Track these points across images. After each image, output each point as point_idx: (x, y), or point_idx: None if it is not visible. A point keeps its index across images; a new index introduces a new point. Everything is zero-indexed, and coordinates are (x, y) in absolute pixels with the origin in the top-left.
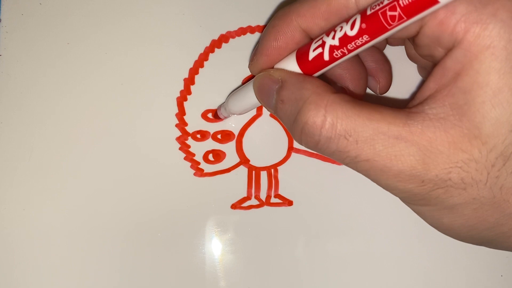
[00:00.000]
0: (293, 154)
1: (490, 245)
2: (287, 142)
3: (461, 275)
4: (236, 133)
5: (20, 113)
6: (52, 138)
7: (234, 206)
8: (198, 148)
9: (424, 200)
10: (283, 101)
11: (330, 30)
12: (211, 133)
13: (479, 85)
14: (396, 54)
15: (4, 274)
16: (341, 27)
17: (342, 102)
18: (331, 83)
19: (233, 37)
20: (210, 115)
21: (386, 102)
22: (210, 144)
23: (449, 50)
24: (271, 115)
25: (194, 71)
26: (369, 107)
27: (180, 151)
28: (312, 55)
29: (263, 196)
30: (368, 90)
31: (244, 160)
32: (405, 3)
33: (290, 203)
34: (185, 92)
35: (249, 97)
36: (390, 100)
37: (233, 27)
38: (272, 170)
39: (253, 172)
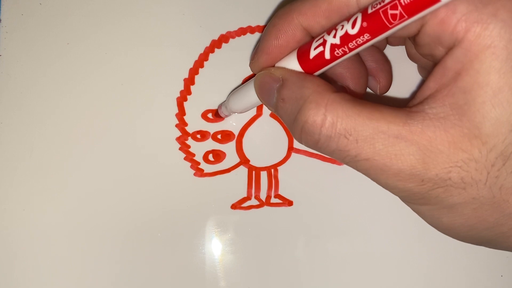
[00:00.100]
0: (293, 154)
1: (489, 245)
2: (287, 142)
3: (461, 275)
4: (236, 133)
5: (20, 113)
6: (52, 138)
7: (234, 206)
8: (198, 148)
9: (423, 199)
10: (284, 100)
11: (331, 29)
12: (211, 133)
13: (479, 84)
14: (396, 54)
15: (4, 274)
16: (342, 26)
17: (342, 101)
18: (331, 82)
19: (233, 37)
20: (210, 115)
21: (386, 102)
22: (210, 144)
23: (449, 50)
24: (271, 115)
25: (194, 71)
26: (369, 106)
27: (180, 151)
28: (313, 53)
29: (263, 196)
30: (368, 90)
31: (244, 160)
32: (406, 2)
33: (290, 203)
34: (185, 92)
35: (250, 96)
36: (390, 99)
37: (233, 27)
38: (272, 170)
39: (253, 172)
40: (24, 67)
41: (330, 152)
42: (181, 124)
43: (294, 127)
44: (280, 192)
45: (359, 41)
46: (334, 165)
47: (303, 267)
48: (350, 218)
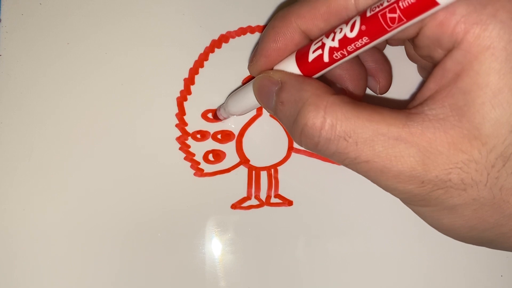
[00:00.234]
0: (293, 154)
1: (490, 245)
2: (287, 142)
3: (461, 275)
4: (236, 133)
5: (20, 113)
6: (52, 138)
7: (234, 206)
8: (198, 148)
9: (424, 200)
10: (283, 103)
11: (329, 32)
12: (211, 133)
13: (479, 86)
14: (396, 54)
15: (4, 274)
16: (341, 29)
17: (341, 103)
18: (330, 84)
19: (233, 37)
20: (210, 115)
21: (386, 103)
22: (210, 144)
23: (449, 51)
24: (271, 115)
25: (194, 71)
26: (368, 108)
27: (180, 151)
28: (311, 56)
29: (263, 196)
30: (368, 91)
31: (244, 160)
32: (405, 5)
33: (290, 203)
34: (185, 92)
35: (249, 98)
36: (390, 101)
37: (233, 27)
38: (272, 170)
39: (253, 172)
40: (24, 67)
41: (330, 155)
42: (181, 124)
43: (294, 130)
44: (280, 192)
45: (358, 44)
46: (334, 165)
47: (303, 267)
48: (350, 218)
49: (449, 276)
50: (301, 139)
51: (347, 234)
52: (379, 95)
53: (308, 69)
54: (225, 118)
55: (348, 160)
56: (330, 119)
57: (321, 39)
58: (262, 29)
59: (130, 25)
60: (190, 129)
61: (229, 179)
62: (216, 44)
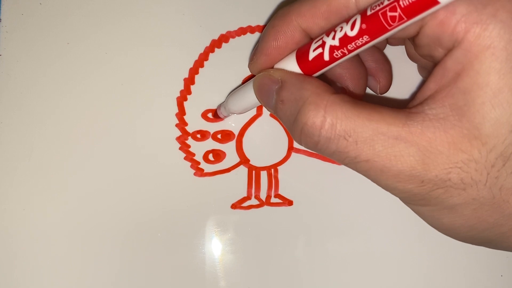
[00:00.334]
0: (293, 154)
1: (490, 245)
2: (287, 142)
3: (461, 275)
4: (236, 133)
5: (20, 113)
6: (52, 138)
7: (234, 206)
8: (198, 148)
9: (424, 200)
10: (283, 102)
11: (330, 30)
12: (211, 133)
13: (479, 85)
14: (396, 54)
15: (4, 274)
16: (341, 28)
17: (341, 102)
18: (330, 83)
19: (233, 37)
20: (210, 115)
21: (386, 102)
22: (210, 144)
23: (449, 51)
24: (271, 115)
25: (194, 71)
26: (368, 107)
27: (180, 151)
28: (312, 55)
29: (263, 196)
30: (368, 90)
31: (244, 160)
32: (405, 4)
33: (290, 203)
34: (185, 92)
35: (249, 97)
36: (390, 100)
37: (233, 27)
38: (272, 170)
39: (253, 172)
40: (24, 67)
41: (330, 154)
42: (181, 123)
43: (294, 129)
44: (280, 192)
45: (358, 43)
46: (334, 165)
47: (303, 267)
48: (350, 218)
49: (449, 276)
50: (301, 138)
51: (347, 234)
52: (379, 94)
53: (309, 67)
54: (225, 117)
55: (348, 159)
56: (330, 118)
57: (322, 38)
58: (262, 29)
59: (130, 25)
60: (190, 129)
61: (229, 179)
62: (216, 44)
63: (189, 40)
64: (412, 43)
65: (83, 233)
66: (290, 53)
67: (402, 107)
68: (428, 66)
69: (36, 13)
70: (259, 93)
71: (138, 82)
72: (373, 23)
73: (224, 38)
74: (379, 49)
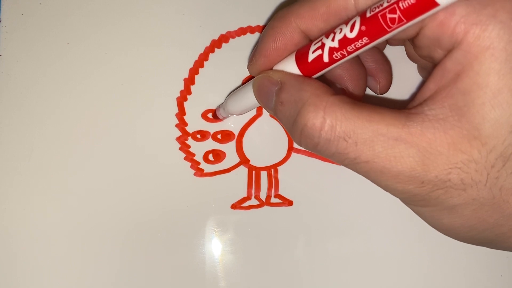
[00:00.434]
0: (293, 154)
1: (490, 245)
2: (287, 142)
3: (461, 275)
4: (236, 133)
5: (20, 113)
6: (52, 138)
7: (234, 206)
8: (198, 148)
9: (424, 201)
10: (283, 103)
11: (329, 32)
12: (211, 133)
13: (478, 86)
14: (396, 54)
15: (4, 274)
16: (341, 29)
17: (341, 103)
18: (330, 84)
19: (233, 37)
20: (210, 115)
21: (386, 103)
22: (210, 144)
23: (448, 52)
24: (271, 115)
25: (194, 71)
26: (368, 108)
27: (180, 151)
28: (311, 56)
29: (263, 196)
30: (368, 91)
31: (244, 160)
32: (405, 6)
33: (290, 203)
34: (185, 92)
35: (248, 98)
36: (390, 101)
37: (233, 27)
38: (272, 170)
39: (253, 172)
40: (24, 67)
41: (330, 155)
42: (181, 124)
43: (294, 130)
44: (280, 192)
45: (358, 45)
46: (334, 165)
47: (303, 267)
48: (350, 218)
49: (449, 276)
50: (301, 139)
51: (347, 234)
52: (379, 95)
53: (308, 69)
54: (224, 118)
55: (348, 161)
56: (330, 120)
57: (321, 39)
58: (262, 29)
59: (130, 25)
60: (190, 129)
61: (229, 179)
62: (216, 44)
63: (189, 40)
64: (412, 44)
65: (83, 233)
66: (289, 54)
67: (402, 108)
68: (428, 66)
69: (36, 13)
70: (258, 95)
71: (138, 82)
72: (372, 25)
73: (224, 38)
74: (379, 50)
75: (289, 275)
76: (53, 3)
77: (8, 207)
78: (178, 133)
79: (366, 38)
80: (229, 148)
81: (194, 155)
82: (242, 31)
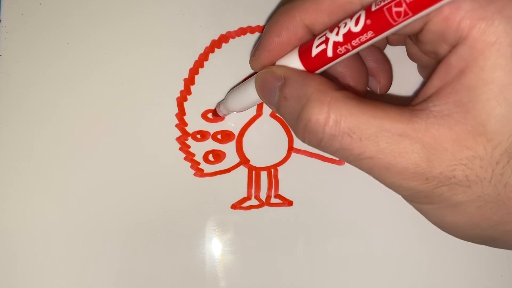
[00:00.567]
0: (293, 154)
1: (492, 244)
2: (287, 142)
3: (461, 275)
4: (236, 133)
5: (20, 113)
6: (52, 138)
7: (234, 206)
8: (198, 148)
9: (428, 198)
10: (286, 98)
11: (333, 26)
12: (211, 133)
13: (484, 82)
14: (396, 54)
15: (4, 274)
16: (345, 23)
17: (345, 99)
18: (332, 80)
19: (233, 37)
20: (210, 115)
21: (388, 100)
22: (210, 144)
23: (453, 47)
24: (271, 115)
25: (194, 71)
26: (372, 104)
27: (180, 151)
28: (315, 51)
29: (263, 196)
30: (369, 90)
31: (244, 160)
32: None
33: (290, 203)
34: (185, 92)
35: (249, 94)
36: (392, 97)
37: (233, 27)
38: (272, 170)
39: (253, 172)
40: (24, 67)
41: (334, 151)
42: (181, 124)
43: (297, 126)
44: (280, 192)
45: (362, 39)
46: (334, 165)
47: (303, 267)
48: (350, 218)
49: (449, 276)
50: (304, 135)
51: (347, 234)
52: (379, 94)
53: (311, 64)
54: (225, 115)
55: (352, 157)
56: (334, 115)
57: (325, 34)
58: (262, 29)
59: (130, 25)
60: (190, 129)
61: (229, 179)
62: (216, 44)
63: (189, 40)
64: (415, 40)
65: (83, 233)
66: (292, 49)
67: (405, 105)
68: (429, 65)
69: (36, 13)
70: (261, 90)
71: (138, 82)
72: (378, 19)
73: (224, 38)
74: (379, 49)
75: (289, 275)
76: (53, 3)
77: (8, 207)
78: (178, 133)
79: (371, 32)
80: (229, 148)
81: (194, 155)
82: (242, 31)
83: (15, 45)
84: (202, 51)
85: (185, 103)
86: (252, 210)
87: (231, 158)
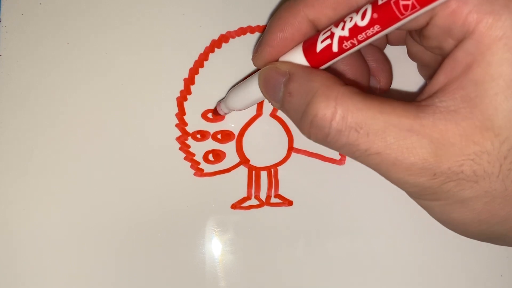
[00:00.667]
0: (293, 154)
1: (499, 240)
2: (287, 142)
3: (461, 275)
4: (236, 133)
5: (20, 113)
6: (52, 138)
7: (234, 206)
8: (198, 148)
9: (434, 194)
10: (291, 94)
11: (338, 21)
12: (211, 133)
13: (491, 76)
14: (396, 54)
15: (4, 274)
16: (351, 18)
17: (352, 94)
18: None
19: (233, 37)
20: (210, 115)
21: (391, 96)
22: (210, 144)
23: (459, 42)
24: (271, 115)
25: (194, 71)
26: (378, 100)
27: (180, 151)
28: (320, 46)
29: (263, 196)
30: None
31: (244, 160)
32: None
33: (290, 203)
34: (185, 92)
35: (251, 92)
36: (392, 96)
37: (233, 27)
38: (272, 170)
39: (253, 172)
40: (24, 67)
41: (340, 147)
42: (181, 124)
43: (303, 122)
44: (280, 192)
45: (369, 33)
46: (334, 165)
47: (303, 267)
48: (350, 218)
49: (449, 276)
50: (310, 131)
51: (347, 234)
52: (379, 94)
53: (316, 59)
54: (225, 114)
55: (358, 152)
56: (341, 110)
57: (330, 29)
58: (262, 29)
59: (130, 25)
60: (190, 129)
61: (229, 179)
62: (216, 44)
63: (189, 40)
64: (420, 35)
65: (83, 233)
66: (296, 45)
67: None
68: (431, 63)
69: (36, 13)
70: (264, 87)
71: (138, 82)
72: (385, 12)
73: (224, 38)
74: (379, 49)
75: (289, 275)
76: (53, 3)
77: (8, 207)
78: (178, 133)
79: (378, 26)
80: (229, 148)
81: (194, 155)
82: (242, 31)
83: (15, 45)
84: (202, 51)
85: (185, 103)
86: (252, 210)
87: (231, 158)
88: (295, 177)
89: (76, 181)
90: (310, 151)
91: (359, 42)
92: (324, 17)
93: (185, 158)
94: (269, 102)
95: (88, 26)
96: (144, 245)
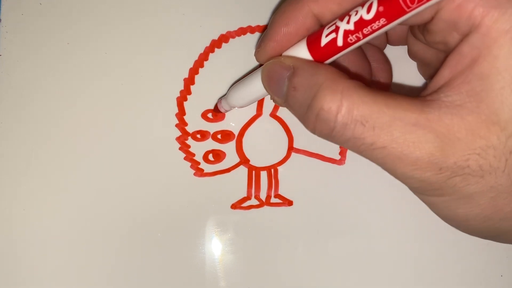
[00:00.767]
0: (293, 154)
1: (503, 237)
2: (287, 142)
3: (461, 275)
4: (236, 133)
5: (20, 113)
6: (52, 138)
7: (234, 206)
8: (198, 148)
9: (440, 189)
10: (296, 88)
11: (343, 15)
12: (211, 133)
13: (497, 70)
14: (396, 54)
15: (4, 274)
16: (356, 11)
17: (357, 88)
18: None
19: (233, 37)
20: (210, 115)
21: (394, 90)
22: (210, 144)
23: (465, 36)
24: (271, 115)
25: (194, 71)
26: (384, 94)
27: (180, 151)
28: (324, 41)
29: (263, 196)
30: None
31: (244, 160)
32: None
33: (290, 203)
34: (185, 92)
35: (254, 88)
36: (398, 86)
37: (233, 27)
38: (272, 170)
39: (253, 172)
40: (24, 67)
41: (345, 141)
42: (181, 124)
43: (308, 116)
44: (280, 192)
45: (374, 27)
46: (334, 165)
47: (303, 267)
48: (350, 218)
49: (449, 276)
50: (315, 125)
51: (347, 234)
52: None
53: (320, 54)
54: (226, 111)
55: (364, 146)
56: (347, 103)
57: (335, 23)
58: (262, 29)
59: (130, 25)
60: (190, 129)
61: (229, 179)
62: (216, 44)
63: (189, 40)
64: (424, 31)
65: (83, 233)
66: (300, 40)
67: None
68: (432, 62)
69: (36, 13)
70: (268, 81)
71: (138, 82)
72: (391, 5)
73: (224, 38)
74: (379, 49)
75: (289, 275)
76: (53, 3)
77: (8, 207)
78: (178, 133)
79: (384, 19)
80: (229, 148)
81: (194, 155)
82: (242, 31)
83: (15, 45)
84: (202, 51)
85: (185, 103)
86: (252, 210)
87: (231, 158)
88: (295, 177)
89: (76, 181)
90: (310, 151)
91: (364, 36)
92: (328, 11)
93: (185, 158)
94: (271, 98)
95: (88, 26)
96: (144, 245)
